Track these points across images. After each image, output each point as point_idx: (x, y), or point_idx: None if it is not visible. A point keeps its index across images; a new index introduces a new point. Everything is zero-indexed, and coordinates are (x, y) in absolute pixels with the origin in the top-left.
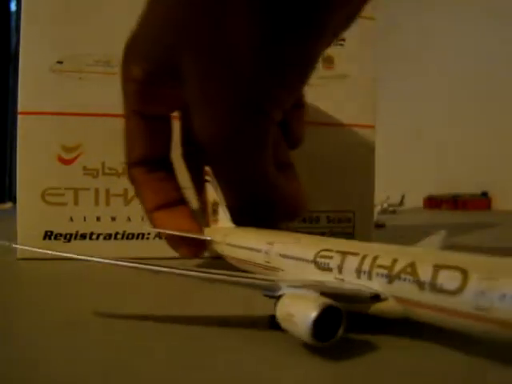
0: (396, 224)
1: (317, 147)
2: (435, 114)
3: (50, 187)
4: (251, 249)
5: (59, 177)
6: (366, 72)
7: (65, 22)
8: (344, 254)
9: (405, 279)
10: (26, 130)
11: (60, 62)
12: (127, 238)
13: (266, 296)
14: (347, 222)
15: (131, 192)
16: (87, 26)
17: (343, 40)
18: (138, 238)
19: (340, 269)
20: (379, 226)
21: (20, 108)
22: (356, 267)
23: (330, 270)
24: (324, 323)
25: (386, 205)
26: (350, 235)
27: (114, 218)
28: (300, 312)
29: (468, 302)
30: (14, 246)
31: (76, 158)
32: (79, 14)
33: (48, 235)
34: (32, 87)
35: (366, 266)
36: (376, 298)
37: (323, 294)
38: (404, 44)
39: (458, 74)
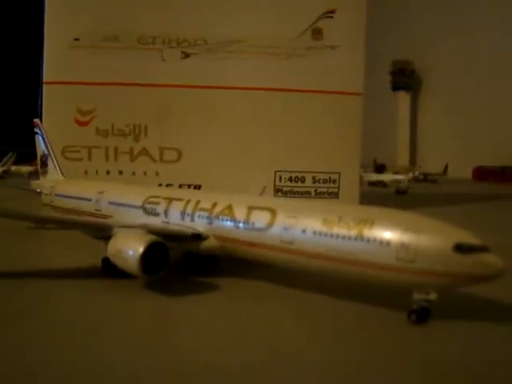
0: (421, 192)
1: (304, 113)
2: (489, 76)
3: (69, 145)
4: (80, 198)
5: (76, 136)
6: (356, 42)
7: (79, 5)
8: (170, 199)
9: (223, 219)
10: (49, 97)
11: (77, 39)
12: None
13: (98, 238)
14: (332, 183)
15: (136, 150)
16: (98, 7)
17: (333, 12)
18: None
19: (166, 213)
20: (401, 192)
21: (45, 79)
22: (180, 211)
23: (157, 214)
24: (151, 258)
25: (417, 173)
26: (335, 195)
27: (121, 172)
28: (128, 247)
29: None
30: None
31: (90, 120)
32: None
33: None
34: (54, 61)
35: (189, 210)
36: (197, 236)
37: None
38: None
39: None
